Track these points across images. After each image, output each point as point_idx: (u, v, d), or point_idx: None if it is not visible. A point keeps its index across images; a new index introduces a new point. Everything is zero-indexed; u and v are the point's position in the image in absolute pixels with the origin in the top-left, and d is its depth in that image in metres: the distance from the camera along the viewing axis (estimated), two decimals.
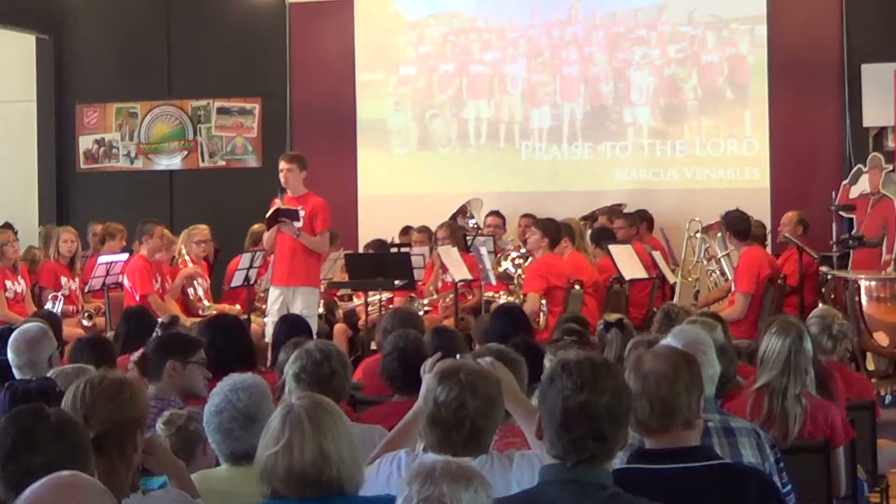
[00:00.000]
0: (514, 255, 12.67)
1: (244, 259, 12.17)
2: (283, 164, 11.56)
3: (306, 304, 11.33)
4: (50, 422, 3.43)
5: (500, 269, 12.57)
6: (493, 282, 12.30)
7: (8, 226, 13.74)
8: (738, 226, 11.65)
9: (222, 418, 4.66)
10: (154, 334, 7.97)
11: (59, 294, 12.36)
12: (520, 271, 12.27)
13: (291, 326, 8.16)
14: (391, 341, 6.71)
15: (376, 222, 15.14)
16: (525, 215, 14.18)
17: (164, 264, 12.39)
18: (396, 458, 4.42)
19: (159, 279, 12.18)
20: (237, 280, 12.26)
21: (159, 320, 8.39)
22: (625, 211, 14.15)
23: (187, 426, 5.07)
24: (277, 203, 11.46)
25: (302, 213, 11.38)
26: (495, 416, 4.28)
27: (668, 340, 5.31)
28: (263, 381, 4.91)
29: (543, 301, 11.28)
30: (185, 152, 16.52)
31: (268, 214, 11.45)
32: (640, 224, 13.81)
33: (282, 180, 11.50)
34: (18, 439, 3.39)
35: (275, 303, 11.45)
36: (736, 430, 4.85)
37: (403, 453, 4.46)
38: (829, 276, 11.67)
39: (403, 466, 4.32)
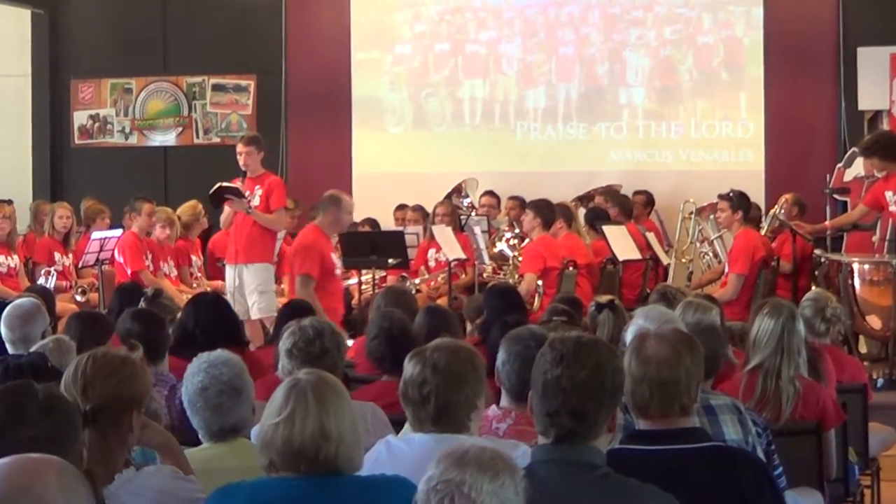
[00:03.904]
0: (508, 235, 12.67)
1: None
2: (240, 148, 11.47)
3: (260, 281, 11.36)
4: (38, 398, 3.42)
5: (495, 250, 12.57)
6: (487, 261, 12.30)
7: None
8: (746, 204, 11.66)
9: (209, 394, 4.64)
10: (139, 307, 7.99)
11: (52, 269, 12.34)
12: (515, 252, 12.26)
13: (295, 312, 8.09)
14: (376, 323, 6.67)
15: (371, 201, 15.08)
16: (512, 197, 14.16)
17: (154, 241, 12.39)
18: (386, 439, 4.43)
19: (150, 255, 12.18)
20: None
21: (145, 291, 8.38)
22: (620, 192, 14.16)
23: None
24: (238, 183, 11.44)
25: (260, 192, 11.39)
26: (464, 391, 4.26)
27: (639, 321, 5.31)
28: (236, 355, 4.90)
29: (540, 282, 11.28)
30: (180, 128, 16.50)
31: (211, 192, 11.41)
32: (640, 207, 13.87)
33: (241, 163, 11.43)
34: (7, 415, 3.39)
35: (232, 281, 11.47)
36: (717, 409, 4.84)
37: (391, 436, 4.46)
38: (823, 259, 11.66)
39: (393, 446, 4.32)
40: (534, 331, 5.28)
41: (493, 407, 4.99)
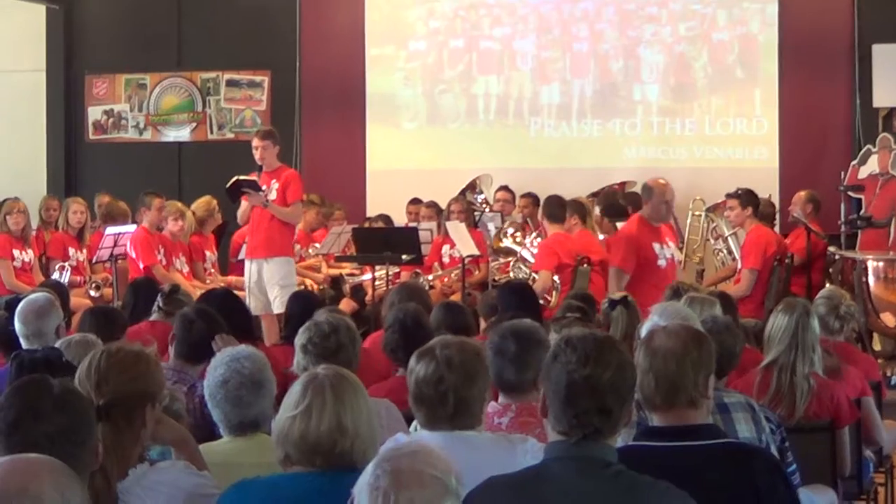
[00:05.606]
0: (510, 230, 12.60)
1: None
2: (256, 142, 11.49)
3: (282, 275, 11.34)
4: (54, 392, 3.42)
5: (501, 245, 12.51)
6: (499, 258, 12.28)
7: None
8: (755, 201, 11.65)
9: (229, 387, 4.66)
10: (156, 304, 8.02)
11: (66, 264, 12.36)
12: (518, 248, 12.20)
13: (305, 301, 8.11)
14: (393, 315, 6.72)
15: (385, 197, 15.12)
16: (525, 195, 14.13)
17: (166, 236, 12.37)
18: (395, 438, 4.42)
19: (162, 250, 12.18)
20: (244, 253, 12.25)
21: (161, 287, 8.40)
22: (632, 190, 14.13)
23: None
24: (254, 177, 11.42)
25: (276, 186, 11.38)
26: (478, 385, 4.27)
27: (655, 318, 5.29)
28: (259, 350, 4.94)
29: (556, 278, 11.25)
30: (194, 124, 16.52)
31: (228, 185, 11.38)
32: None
33: (256, 158, 11.43)
34: (22, 410, 3.39)
35: (251, 275, 11.46)
36: (730, 406, 4.84)
37: (402, 434, 4.46)
38: (837, 257, 11.65)
39: None
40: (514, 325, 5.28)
41: (493, 403, 4.97)
